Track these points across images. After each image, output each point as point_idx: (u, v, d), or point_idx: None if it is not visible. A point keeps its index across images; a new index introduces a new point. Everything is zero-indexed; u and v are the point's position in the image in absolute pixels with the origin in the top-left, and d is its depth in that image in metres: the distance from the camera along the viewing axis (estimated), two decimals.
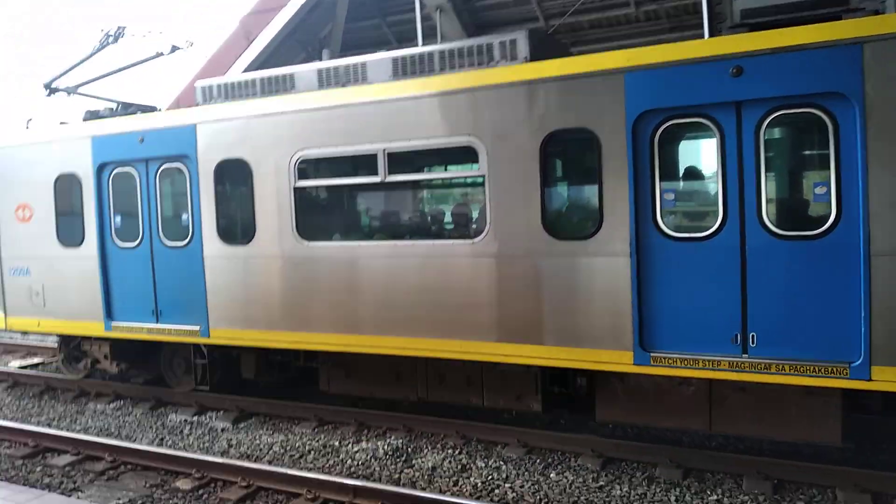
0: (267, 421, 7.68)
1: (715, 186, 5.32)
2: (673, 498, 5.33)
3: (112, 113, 8.72)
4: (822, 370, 4.93)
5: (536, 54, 6.20)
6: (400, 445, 6.65)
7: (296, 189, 6.93)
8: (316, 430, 7.28)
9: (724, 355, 5.24)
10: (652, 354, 5.45)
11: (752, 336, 5.18)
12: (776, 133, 5.43)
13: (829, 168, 4.97)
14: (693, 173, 5.73)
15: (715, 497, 5.32)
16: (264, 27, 11.71)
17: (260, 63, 11.68)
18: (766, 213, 5.14)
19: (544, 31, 13.37)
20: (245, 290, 7.30)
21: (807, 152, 5.46)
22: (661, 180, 5.46)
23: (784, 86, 5.03)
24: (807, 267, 5.01)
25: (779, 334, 5.09)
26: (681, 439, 6.47)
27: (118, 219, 8.18)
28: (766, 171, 5.18)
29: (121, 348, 8.77)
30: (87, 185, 8.21)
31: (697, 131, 5.57)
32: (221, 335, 7.52)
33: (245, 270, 7.28)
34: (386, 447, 6.62)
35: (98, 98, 9.41)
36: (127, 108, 8.80)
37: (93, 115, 8.79)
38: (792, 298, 5.05)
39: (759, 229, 5.14)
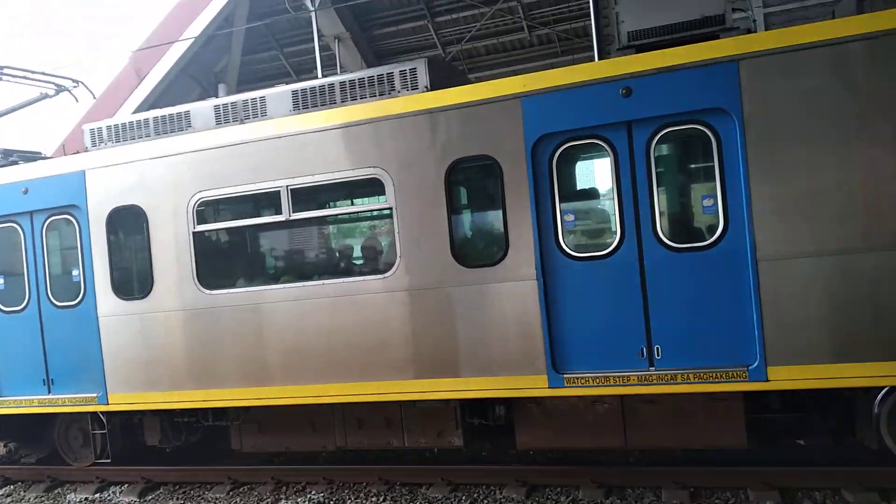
0: (177, 490, 7.96)
1: (612, 205, 6.17)
2: None
3: None
4: (724, 375, 5.75)
5: (436, 82, 6.97)
6: (321, 500, 7.09)
7: (195, 234, 7.41)
8: (231, 493, 7.61)
9: (633, 370, 6.00)
10: (565, 376, 6.16)
11: (657, 349, 5.97)
12: (665, 150, 6.35)
13: (714, 181, 5.87)
14: (591, 194, 6.58)
15: None
16: (156, 63, 12.25)
17: (152, 102, 12.16)
18: (661, 227, 5.99)
19: (443, 59, 14.52)
20: (145, 348, 7.63)
21: (694, 166, 6.38)
22: (561, 202, 6.26)
23: (670, 104, 5.94)
24: (701, 277, 5.85)
25: (681, 345, 5.89)
26: (600, 458, 7.19)
27: (0, 280, 8.43)
28: (658, 186, 6.06)
29: (7, 426, 8.84)
30: None
31: (592, 152, 6.42)
32: (121, 401, 7.78)
33: (144, 327, 7.61)
34: (307, 503, 7.06)
35: None
36: (8, 157, 9.10)
37: None
38: (690, 309, 5.87)
39: (655, 244, 5.99)
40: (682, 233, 6.10)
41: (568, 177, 6.50)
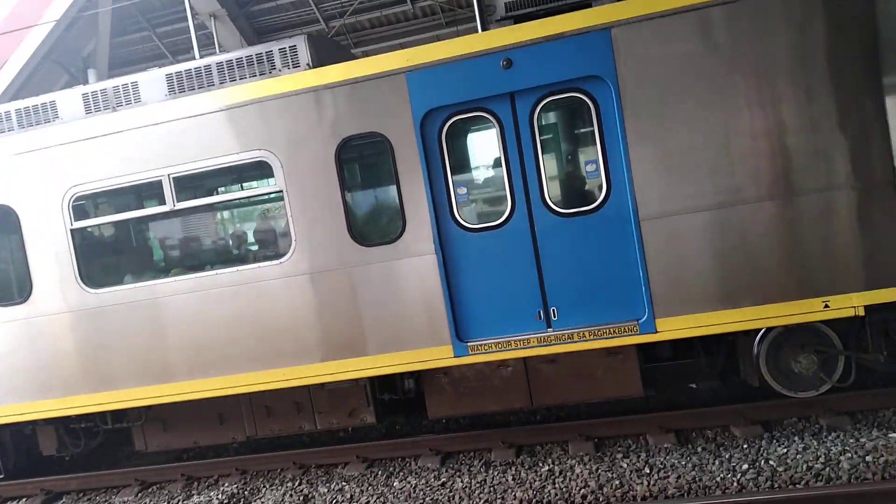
0: (81, 498, 7.54)
1: (501, 175, 6.24)
2: (510, 477, 6.16)
3: None
4: (616, 331, 6.02)
5: (319, 59, 6.75)
6: (235, 491, 6.93)
7: (73, 231, 6.93)
8: (140, 494, 7.30)
9: (532, 332, 6.17)
10: (469, 344, 6.26)
11: (553, 310, 6.16)
12: (548, 118, 6.46)
13: (595, 146, 6.05)
14: (481, 165, 6.61)
15: (547, 467, 6.23)
16: (14, 50, 11.20)
17: (14, 92, 11.14)
18: (549, 195, 6.13)
19: (325, 35, 14.14)
20: (31, 355, 7.12)
21: (576, 133, 6.53)
22: (453, 175, 6.27)
23: (549, 73, 6.03)
24: (589, 240, 6.05)
25: (575, 305, 6.10)
26: (509, 420, 7.45)
27: None
28: (544, 155, 6.17)
29: None
30: None
31: (480, 124, 6.43)
32: (10, 412, 7.26)
33: (28, 333, 7.11)
34: (220, 496, 6.86)
35: None
36: None
37: None
38: (581, 270, 6.08)
39: (545, 211, 6.12)
40: (569, 198, 6.25)
41: (458, 150, 6.49)
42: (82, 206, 7.03)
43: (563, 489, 5.78)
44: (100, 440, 8.07)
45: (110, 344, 6.94)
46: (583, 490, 5.70)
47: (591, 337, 6.07)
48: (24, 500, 7.70)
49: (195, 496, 7.03)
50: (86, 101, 7.10)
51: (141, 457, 7.97)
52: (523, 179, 6.15)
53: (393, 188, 6.36)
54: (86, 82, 8.44)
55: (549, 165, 6.29)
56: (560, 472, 6.10)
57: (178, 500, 6.99)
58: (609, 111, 5.98)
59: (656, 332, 5.98)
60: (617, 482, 5.74)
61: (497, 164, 6.32)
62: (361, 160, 6.86)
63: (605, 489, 5.66)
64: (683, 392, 7.41)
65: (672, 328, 5.97)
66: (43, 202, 6.96)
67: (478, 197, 6.53)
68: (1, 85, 11.02)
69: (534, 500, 5.67)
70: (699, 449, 6.14)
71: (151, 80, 6.99)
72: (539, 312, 6.19)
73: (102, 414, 7.49)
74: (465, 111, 6.23)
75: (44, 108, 7.21)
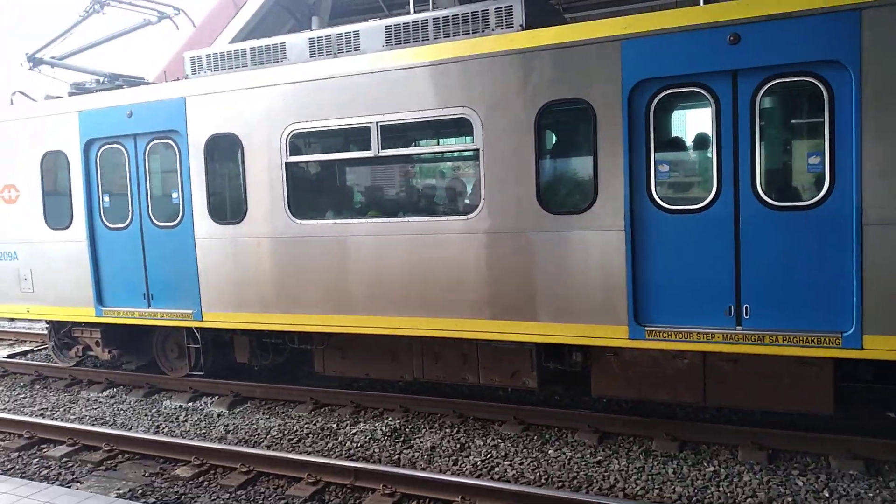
0: (263, 405, 8.41)
1: (709, 157, 5.88)
2: (671, 470, 5.96)
3: (99, 86, 9.33)
4: (815, 340, 5.50)
5: (532, 21, 6.72)
6: (398, 426, 7.34)
7: (287, 165, 7.55)
8: (313, 412, 7.98)
9: (718, 328, 5.82)
10: (647, 328, 6.05)
11: (746, 308, 5.76)
12: (771, 102, 5.94)
13: (823, 138, 5.48)
14: (688, 144, 6.27)
15: (712, 468, 5.94)
16: None
17: (248, 32, 12.27)
18: (761, 183, 5.68)
19: None
20: (237, 271, 7.94)
21: (802, 122, 5.96)
22: (655, 151, 6.01)
23: (781, 54, 5.52)
24: (800, 238, 5.55)
25: (772, 306, 5.66)
26: (675, 413, 7.12)
27: (107, 198, 8.88)
28: (761, 140, 5.71)
29: (112, 334, 9.51)
30: (74, 164, 8.89)
31: (693, 101, 6.08)
32: (215, 319, 8.19)
33: (237, 251, 7.91)
34: (384, 428, 7.31)
35: (84, 71, 10.04)
36: (114, 81, 9.41)
37: (79, 89, 9.40)
38: (785, 270, 5.61)
39: (753, 200, 5.69)
40: (783, 191, 5.76)
41: (665, 125, 6.20)
42: (297, 143, 7.61)
43: (728, 494, 5.48)
44: (285, 357, 8.90)
45: (304, 272, 7.55)
46: (749, 499, 5.37)
47: (785, 342, 5.60)
48: (216, 397, 8.72)
49: (361, 423, 7.54)
50: (311, 45, 7.64)
51: (318, 379, 8.68)
52: (734, 164, 5.74)
53: (589, 157, 6.22)
54: (309, 28, 9.07)
55: (764, 152, 5.78)
56: (726, 476, 5.78)
57: (346, 425, 7.55)
58: (845, 100, 5.39)
59: (862, 348, 5.39)
60: (790, 499, 5.34)
61: (706, 144, 5.95)
62: (560, 126, 6.80)
63: None
64: (877, 419, 6.66)
65: (881, 347, 5.35)
66: (264, 135, 7.62)
67: (679, 177, 6.22)
68: (238, 25, 12.18)
69: (694, 498, 5.44)
70: (892, 484, 5.52)
71: (371, 30, 7.35)
72: (730, 308, 5.82)
73: (291, 334, 8.23)
74: (680, 85, 5.90)
75: (274, 49, 7.85)
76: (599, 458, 6.31)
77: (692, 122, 6.22)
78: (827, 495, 5.38)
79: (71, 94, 9.35)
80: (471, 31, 6.88)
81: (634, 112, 6.03)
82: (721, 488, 5.60)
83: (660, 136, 6.06)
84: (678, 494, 5.52)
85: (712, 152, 5.83)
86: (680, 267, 5.95)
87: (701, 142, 6.09)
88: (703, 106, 5.93)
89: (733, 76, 5.74)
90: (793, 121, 6.08)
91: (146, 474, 6.57)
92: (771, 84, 5.65)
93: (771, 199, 5.66)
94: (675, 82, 5.92)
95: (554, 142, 6.92)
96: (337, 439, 7.16)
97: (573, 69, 6.21)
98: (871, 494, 5.37)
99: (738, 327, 5.79)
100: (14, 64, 10.34)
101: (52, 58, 9.88)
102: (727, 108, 5.77)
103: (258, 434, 7.46)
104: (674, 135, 6.34)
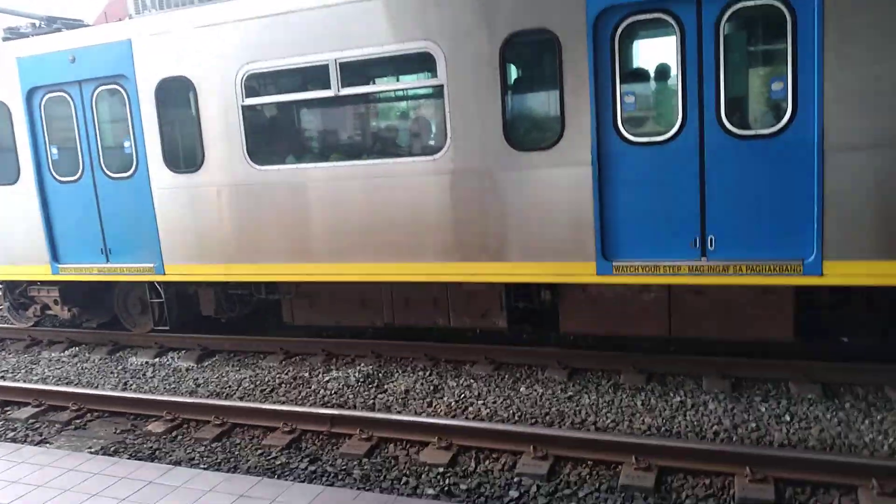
0: (232, 358, 8.36)
1: (674, 87, 5.84)
2: (639, 402, 6.11)
3: (35, 30, 8.86)
4: (777, 269, 5.62)
5: None
6: (370, 372, 7.38)
7: (244, 108, 7.31)
8: (283, 363, 7.97)
9: (684, 260, 5.90)
10: (614, 263, 6.11)
11: (711, 239, 5.83)
12: (735, 27, 5.88)
13: (785, 64, 5.47)
14: (653, 74, 6.21)
15: (678, 398, 6.11)
16: None
17: None
18: (725, 112, 5.67)
19: None
20: (198, 221, 7.77)
21: (765, 48, 5.94)
22: (621, 83, 5.95)
23: None
24: (763, 166, 5.59)
25: (736, 236, 5.74)
26: (641, 345, 7.31)
27: (54, 150, 8.53)
28: (725, 68, 5.67)
29: (71, 292, 9.31)
30: (17, 114, 8.49)
31: (658, 28, 6.01)
32: (177, 271, 8.04)
33: (196, 200, 7.72)
34: (357, 375, 7.34)
35: (16, 14, 9.53)
36: (52, 24, 8.93)
37: (14, 34, 8.90)
38: (749, 199, 5.66)
39: (718, 130, 5.69)
40: (747, 119, 5.78)
41: (629, 55, 6.14)
42: (254, 85, 7.36)
43: (695, 422, 5.65)
44: (252, 308, 8.82)
45: (267, 220, 7.42)
46: (715, 427, 5.55)
47: (748, 272, 5.71)
48: (183, 351, 8.64)
49: (333, 371, 7.56)
50: None
51: (287, 328, 8.64)
52: (699, 94, 5.70)
53: (555, 91, 6.13)
54: None
55: (729, 81, 5.73)
56: (692, 406, 5.96)
57: (318, 373, 7.56)
58: (808, 25, 5.35)
59: (822, 275, 5.53)
60: (753, 424, 5.53)
61: (671, 74, 5.91)
62: (525, 59, 6.66)
63: (739, 430, 5.47)
64: (836, 344, 6.90)
65: (840, 273, 5.49)
66: (219, 77, 7.34)
67: (644, 108, 6.19)
68: None
69: (662, 428, 5.60)
70: (847, 405, 5.74)
71: None
72: (695, 240, 5.89)
73: (257, 284, 8.14)
74: (645, 11, 5.78)
75: None
76: (570, 393, 6.44)
77: (657, 52, 6.15)
78: (788, 419, 5.58)
79: (5, 40, 8.86)
80: None
81: (599, 41, 5.92)
82: (688, 417, 5.76)
83: (625, 66, 5.99)
84: (647, 425, 5.67)
85: (677, 82, 5.79)
86: (646, 200, 5.97)
87: (665, 72, 6.04)
88: (669, 33, 5.86)
89: (697, 2, 5.66)
90: (757, 47, 6.04)
91: (117, 431, 6.53)
92: (735, 8, 5.58)
93: (735, 127, 5.66)
94: (639, 8, 5.80)
95: (520, 75, 6.81)
96: (310, 388, 7.17)
97: None
98: (828, 416, 5.58)
99: (703, 259, 5.88)
100: None
101: None
102: (692, 35, 5.70)
103: (229, 386, 7.44)
104: (639, 65, 6.28)
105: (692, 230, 5.88)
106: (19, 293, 9.81)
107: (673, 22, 5.74)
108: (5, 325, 10.21)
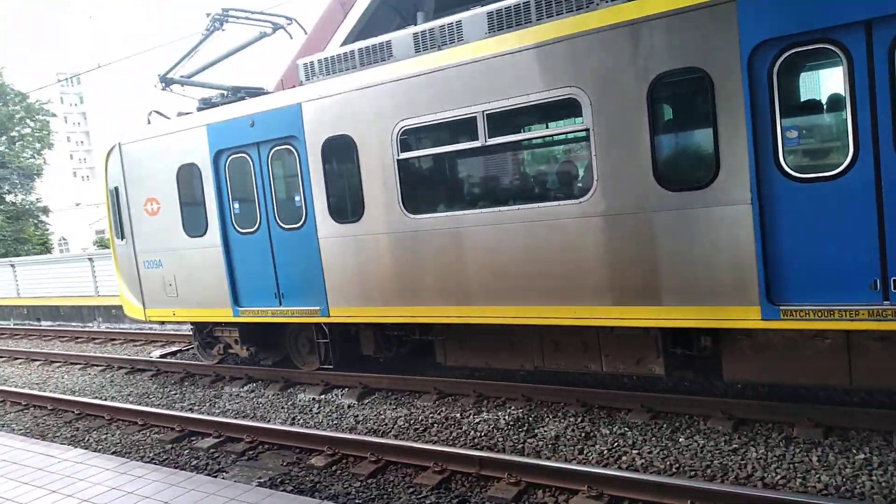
0: (389, 396, 8.73)
1: (843, 119, 5.43)
2: (815, 458, 5.61)
3: (223, 99, 10.03)
4: None
5: None
6: (521, 415, 7.39)
7: (399, 161, 7.76)
8: (437, 402, 8.20)
9: (863, 304, 5.40)
10: (781, 308, 5.71)
11: (894, 281, 5.28)
12: None
13: None
14: (818, 107, 5.82)
15: (862, 455, 5.54)
16: None
17: (357, 34, 12.69)
18: None
19: None
20: (359, 267, 8.29)
21: None
22: (782, 117, 5.63)
23: None
24: None
25: None
26: (818, 396, 6.69)
27: (237, 205, 9.52)
28: None
29: (249, 332, 10.23)
30: (206, 174, 9.59)
31: (822, 58, 5.65)
32: (340, 314, 8.60)
33: (357, 248, 8.25)
34: (507, 417, 7.38)
35: (209, 86, 10.75)
36: (237, 94, 10.07)
37: (206, 104, 10.13)
38: None
39: None
40: None
41: (790, 88, 5.81)
42: (407, 140, 7.79)
43: (883, 483, 5.09)
44: (408, 349, 9.19)
45: (421, 265, 7.75)
46: None
47: None
48: (346, 389, 9.15)
49: (484, 413, 7.66)
50: (416, 40, 7.79)
51: (440, 369, 8.90)
52: (872, 124, 5.26)
53: (708, 129, 5.94)
54: (415, 24, 9.25)
55: None
56: (879, 465, 5.38)
57: (470, 414, 7.69)
58: None
59: None
60: None
61: (838, 105, 5.51)
62: (674, 98, 6.52)
63: None
64: None
65: None
66: (376, 134, 7.87)
67: (810, 142, 5.80)
68: (347, 28, 12.63)
69: (843, 488, 5.09)
70: None
71: (473, 18, 7.40)
72: (875, 282, 5.37)
73: (412, 326, 8.49)
74: (806, 42, 5.48)
75: (380, 48, 8.08)
76: (735, 445, 6.05)
77: (822, 82, 5.77)
78: None
79: (199, 109, 10.09)
80: (574, 8, 6.74)
81: (755, 76, 5.67)
82: (874, 477, 5.21)
83: (785, 99, 5.67)
84: (824, 484, 5.20)
85: (846, 113, 5.38)
86: (815, 240, 5.58)
87: (832, 103, 5.64)
88: (834, 63, 5.50)
89: (867, 27, 5.25)
90: None
91: (284, 463, 6.98)
92: None
93: None
94: (799, 40, 5.50)
95: (669, 115, 6.65)
96: (461, 428, 7.31)
97: (685, 36, 5.95)
98: None
99: (885, 302, 5.34)
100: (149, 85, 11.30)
101: (181, 76, 10.70)
102: (861, 64, 5.29)
103: (386, 424, 7.76)
104: (802, 97, 5.91)
105: (872, 271, 5.37)
106: (206, 333, 10.94)
107: (838, 51, 5.37)
108: (195, 362, 11.39)
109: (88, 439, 8.45)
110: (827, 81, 5.71)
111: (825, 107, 5.76)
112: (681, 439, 6.33)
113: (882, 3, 5.11)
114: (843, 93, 5.41)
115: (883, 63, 5.22)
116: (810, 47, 5.51)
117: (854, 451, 5.64)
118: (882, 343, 5.71)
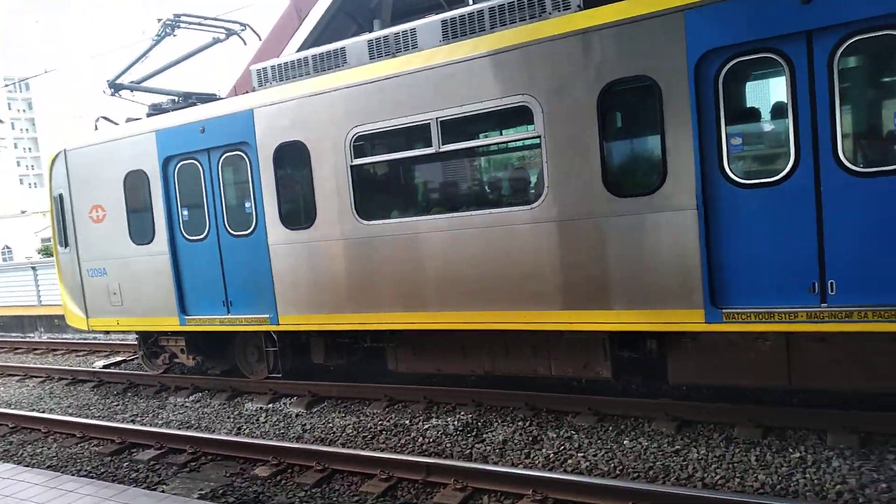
0: (339, 404, 8.60)
1: (785, 127, 5.60)
2: (753, 458, 5.72)
3: (174, 105, 9.84)
4: None
5: (590, 1, 6.63)
6: (469, 420, 7.36)
7: (352, 167, 7.71)
8: (387, 409, 8.11)
9: (802, 306, 5.54)
10: (724, 311, 5.83)
11: (831, 283, 5.45)
12: (851, 62, 5.61)
13: None
14: (759, 114, 6.00)
15: (798, 454, 5.66)
16: (315, 2, 12.66)
17: (313, 41, 12.64)
18: (843, 150, 5.37)
19: None
20: (310, 274, 8.19)
21: (883, 80, 5.61)
22: (727, 124, 5.79)
23: (861, 6, 5.15)
24: (889, 205, 5.21)
25: (860, 280, 5.35)
26: (759, 397, 6.84)
27: (185, 212, 9.32)
28: (842, 105, 5.39)
29: (196, 341, 9.98)
30: (154, 181, 9.37)
31: (765, 68, 5.83)
32: (290, 321, 8.46)
33: (309, 255, 8.15)
34: (456, 423, 7.33)
35: (160, 92, 10.55)
36: (188, 99, 9.90)
37: (156, 110, 9.93)
38: (874, 240, 5.28)
39: (835, 168, 5.39)
40: (868, 156, 5.43)
41: (736, 96, 5.97)
42: (361, 146, 7.75)
43: (816, 481, 5.21)
44: (359, 356, 9.07)
45: (374, 272, 7.69)
46: (839, 486, 5.10)
47: (876, 318, 5.27)
48: (294, 398, 8.98)
49: (433, 419, 7.60)
50: (370, 47, 7.79)
51: (391, 376, 8.82)
52: (813, 132, 5.45)
53: (656, 136, 6.06)
54: (371, 31, 9.27)
55: (846, 116, 5.46)
56: (813, 463, 5.51)
57: (419, 420, 7.63)
58: None
59: None
60: (884, 485, 5.01)
61: (781, 113, 5.68)
62: (624, 106, 6.65)
63: (867, 490, 4.98)
64: None
65: None
66: (330, 140, 7.81)
67: (753, 149, 5.96)
68: (303, 35, 12.57)
69: (778, 487, 5.18)
70: None
71: (428, 26, 7.43)
72: (813, 284, 5.53)
73: (363, 333, 8.39)
74: (750, 52, 5.65)
75: (335, 55, 8.05)
76: (677, 447, 6.13)
77: (765, 91, 5.95)
78: None
79: (149, 115, 9.89)
80: (528, 17, 6.84)
81: (701, 84, 5.82)
82: (808, 475, 5.33)
83: (730, 107, 5.83)
84: (761, 483, 5.30)
85: (788, 121, 5.56)
86: (757, 244, 5.73)
87: (774, 111, 5.82)
88: (777, 72, 5.68)
89: (808, 37, 5.44)
90: (876, 80, 5.72)
91: (227, 474, 6.81)
92: (850, 42, 5.31)
93: (855, 165, 5.34)
94: (744, 49, 5.67)
95: (618, 122, 6.78)
96: (409, 435, 7.24)
97: (634, 45, 6.08)
98: None
99: (823, 304, 5.50)
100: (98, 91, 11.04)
101: (131, 82, 10.49)
102: (802, 73, 5.48)
103: (334, 432, 7.64)
104: (745, 106, 6.09)
105: (810, 275, 5.53)
106: (151, 343, 10.63)
107: (781, 60, 5.55)
108: (139, 372, 11.05)
109: (22, 453, 8.08)
110: (771, 90, 5.89)
111: (769, 114, 5.94)
112: (625, 441, 6.38)
113: (822, 13, 5.31)
114: (785, 101, 5.59)
115: (823, 73, 5.41)
116: (754, 56, 5.68)
117: (790, 450, 5.77)
118: (820, 344, 5.88)
